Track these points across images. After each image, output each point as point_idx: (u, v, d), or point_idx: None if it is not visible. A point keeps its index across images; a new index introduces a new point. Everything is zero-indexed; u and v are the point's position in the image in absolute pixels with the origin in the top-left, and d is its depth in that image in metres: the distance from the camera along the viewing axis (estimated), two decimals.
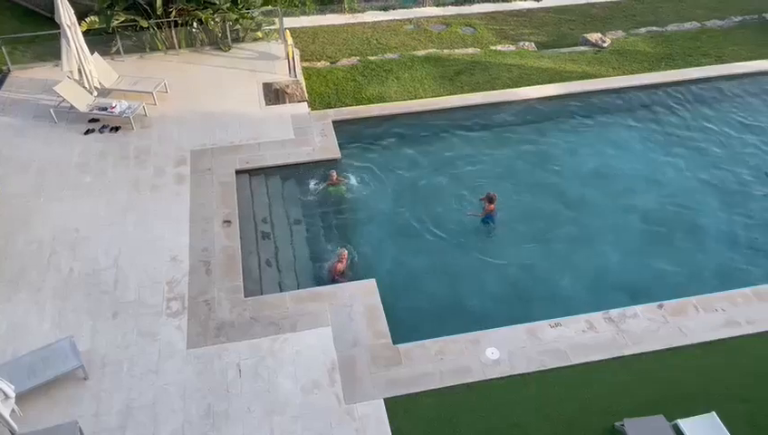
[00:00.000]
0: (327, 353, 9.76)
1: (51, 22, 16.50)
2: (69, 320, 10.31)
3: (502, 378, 9.45)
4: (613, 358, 9.73)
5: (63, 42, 14.79)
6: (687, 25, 21.57)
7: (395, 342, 9.95)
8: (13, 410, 8.25)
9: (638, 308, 10.50)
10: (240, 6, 18.15)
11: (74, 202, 12.81)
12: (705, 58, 19.09)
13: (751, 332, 10.10)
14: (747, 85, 17.98)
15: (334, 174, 13.89)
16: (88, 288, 10.88)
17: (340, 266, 11.64)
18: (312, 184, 13.98)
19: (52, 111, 15.17)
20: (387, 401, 9.10)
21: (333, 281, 11.49)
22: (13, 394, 8.04)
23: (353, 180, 14.22)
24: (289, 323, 10.26)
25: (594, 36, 20.51)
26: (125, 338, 10.01)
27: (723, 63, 18.72)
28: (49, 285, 10.94)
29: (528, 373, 9.51)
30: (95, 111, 15.11)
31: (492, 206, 13.05)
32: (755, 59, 18.84)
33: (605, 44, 20.08)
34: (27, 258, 11.49)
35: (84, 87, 15.50)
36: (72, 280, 11.04)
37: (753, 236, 12.94)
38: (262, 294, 11.10)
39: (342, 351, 9.80)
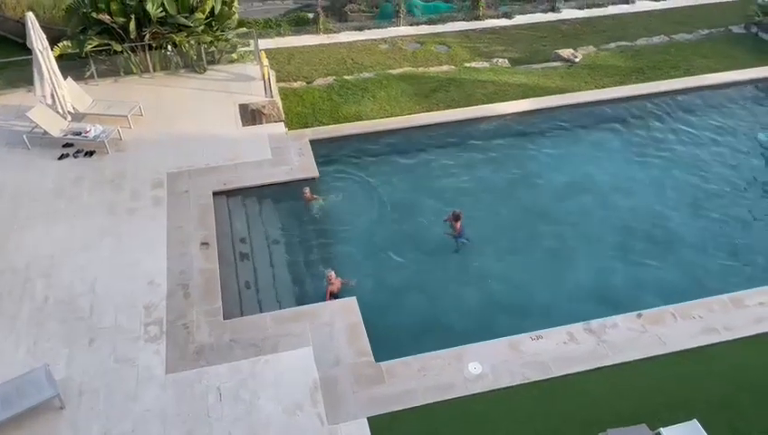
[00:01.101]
0: (309, 374, 9.67)
1: (23, 47, 16.37)
2: (44, 348, 10.10)
3: (485, 392, 9.44)
4: (595, 369, 9.77)
5: (36, 67, 14.70)
6: (656, 39, 22.05)
7: (377, 359, 9.90)
8: None
9: (618, 318, 10.58)
10: (215, 29, 18.17)
11: (49, 228, 12.62)
12: (674, 71, 19.51)
13: (729, 338, 10.22)
14: (716, 96, 18.38)
15: (307, 190, 13.89)
16: (64, 315, 10.68)
17: (333, 289, 11.54)
18: (289, 203, 13.94)
19: (25, 137, 15.00)
20: (370, 419, 9.03)
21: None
22: None
23: (332, 198, 14.22)
24: (269, 344, 10.16)
25: (566, 52, 20.85)
26: (102, 365, 9.82)
27: (692, 75, 19.13)
28: (24, 313, 10.73)
29: (511, 387, 9.52)
30: (69, 136, 14.97)
31: (458, 223, 13.08)
32: (723, 70, 19.30)
33: (577, 59, 20.42)
34: (1, 287, 11.27)
35: (58, 112, 15.36)
36: (48, 307, 10.84)
37: (728, 242, 13.15)
38: (242, 315, 10.99)
39: (324, 370, 9.72)
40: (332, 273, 11.66)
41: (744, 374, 9.79)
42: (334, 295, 11.49)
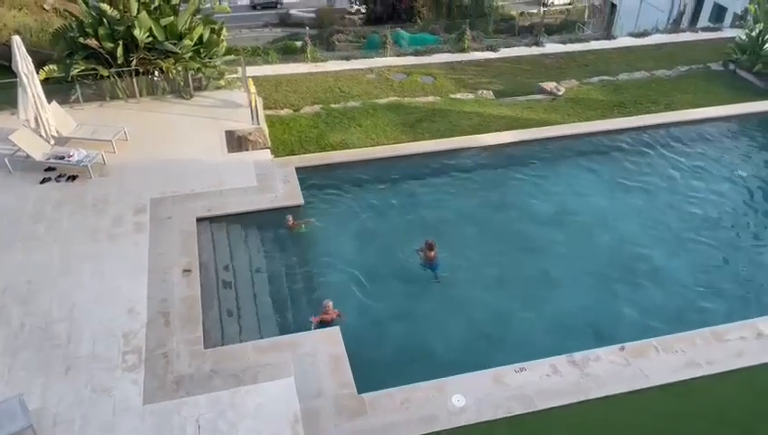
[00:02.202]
0: (290, 405, 9.51)
1: (8, 70, 16.30)
2: (19, 377, 9.85)
3: (468, 426, 9.33)
4: (578, 402, 9.72)
5: (20, 90, 14.61)
6: (637, 75, 22.53)
7: (360, 391, 9.77)
8: None
9: (601, 351, 10.56)
10: (203, 56, 18.25)
11: (27, 253, 12.41)
12: (654, 105, 19.90)
13: (711, 372, 10.24)
14: (696, 131, 18.74)
15: (290, 218, 13.85)
16: (40, 342, 10.44)
17: (327, 318, 11.40)
18: (273, 230, 13.88)
19: (6, 160, 14.84)
20: None
21: None
22: None
23: (314, 224, 14.17)
24: (250, 374, 9.99)
25: (549, 85, 21.22)
26: (78, 394, 9.59)
27: (672, 110, 19.54)
28: None
29: (494, 420, 9.42)
30: (52, 160, 14.83)
31: (432, 253, 13.08)
32: (703, 106, 19.73)
33: (560, 93, 20.77)
34: None
35: (41, 135, 15.24)
36: (23, 334, 10.60)
37: (708, 276, 13.27)
38: (223, 344, 10.83)
39: (306, 402, 9.57)
40: (330, 303, 11.52)
41: (726, 410, 9.79)
42: (324, 324, 11.36)
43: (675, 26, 28.82)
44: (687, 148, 17.99)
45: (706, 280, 13.16)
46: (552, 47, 25.18)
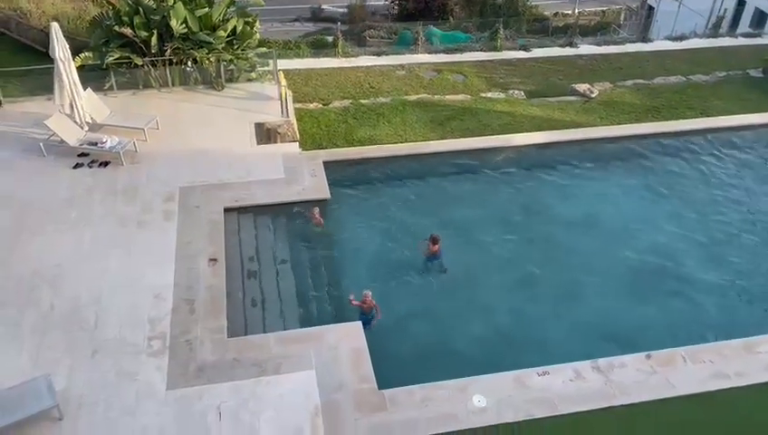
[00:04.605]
0: (310, 398, 9.53)
1: (44, 56, 16.62)
2: (46, 357, 10.03)
3: (488, 427, 9.25)
4: (601, 408, 9.57)
5: (56, 76, 14.86)
6: (673, 79, 22.07)
7: (380, 386, 9.75)
8: None
9: (627, 358, 10.40)
10: (236, 47, 18.37)
11: (58, 237, 12.63)
12: (690, 111, 19.48)
13: (740, 384, 10.00)
14: (732, 138, 18.30)
15: (316, 211, 13.81)
16: (68, 325, 10.63)
17: (365, 307, 11.50)
18: (299, 223, 13.91)
19: (41, 144, 15.11)
20: None
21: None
22: None
23: (334, 230, 14.08)
24: (272, 365, 10.04)
25: (582, 87, 20.91)
26: (103, 378, 9.73)
27: (708, 117, 19.10)
28: (28, 320, 10.68)
29: (515, 422, 9.33)
30: (85, 146, 15.07)
31: (435, 247, 13.01)
32: (740, 113, 19.25)
33: (593, 95, 20.46)
34: (7, 293, 11.24)
35: (75, 122, 15.49)
36: (52, 316, 10.79)
37: (741, 287, 12.96)
38: (246, 334, 10.91)
39: (326, 395, 9.58)
40: (370, 293, 11.57)
41: (754, 423, 9.56)
42: (362, 314, 11.42)
43: (714, 31, 28.17)
44: (723, 155, 17.57)
45: (738, 290, 12.86)
46: (586, 48, 24.79)
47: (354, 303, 11.57)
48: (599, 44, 25.20)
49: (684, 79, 22.09)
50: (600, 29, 26.73)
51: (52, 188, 14.07)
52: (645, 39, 25.99)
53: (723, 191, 16.05)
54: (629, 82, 21.74)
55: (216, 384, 9.68)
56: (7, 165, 14.80)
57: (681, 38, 26.03)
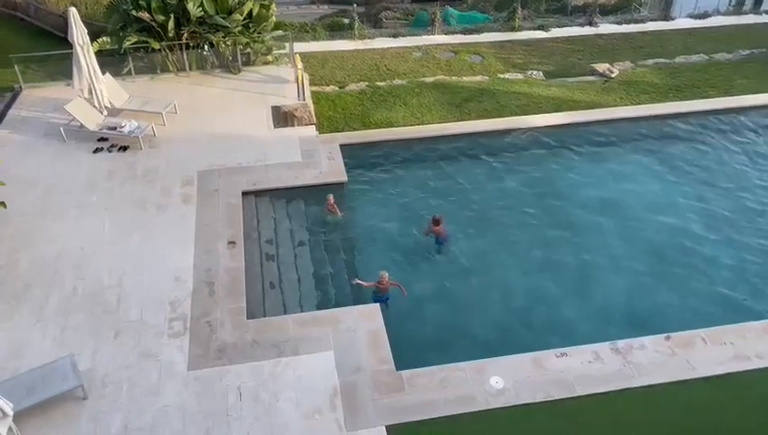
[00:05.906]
0: (329, 379, 9.63)
1: (63, 41, 16.74)
2: (71, 338, 10.23)
3: (506, 408, 9.28)
4: (620, 390, 9.54)
5: (75, 61, 14.98)
6: (695, 58, 21.67)
7: (398, 368, 9.81)
8: (10, 429, 8.15)
9: (646, 339, 10.33)
10: (252, 31, 18.36)
11: (80, 220, 12.82)
12: (713, 90, 19.14)
13: (761, 366, 9.90)
14: (756, 117, 17.95)
15: (331, 198, 13.69)
16: (91, 307, 10.82)
17: (382, 288, 11.56)
18: (316, 206, 13.94)
19: (62, 129, 15.28)
20: (389, 428, 8.93)
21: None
22: (11, 412, 7.95)
23: (349, 218, 13.98)
24: (291, 346, 10.14)
25: (602, 66, 20.62)
26: (126, 358, 9.91)
27: (731, 96, 18.75)
28: (52, 302, 10.89)
29: (533, 404, 9.34)
30: (104, 131, 15.22)
31: (437, 228, 12.99)
32: (764, 91, 18.86)
33: (613, 75, 20.17)
34: (31, 276, 11.46)
35: (94, 106, 15.64)
36: (76, 298, 10.99)
37: (764, 269, 12.78)
38: (265, 316, 11.01)
39: (344, 376, 9.67)
40: (386, 274, 11.60)
41: None
42: (378, 296, 11.49)
43: (737, 8, 27.52)
44: (746, 135, 17.25)
45: (761, 273, 12.68)
46: (606, 27, 24.40)
47: (366, 284, 11.62)
48: (619, 23, 24.77)
49: (706, 57, 21.67)
50: (620, 7, 26.19)
51: (74, 172, 14.25)
52: (667, 17, 25.45)
53: (745, 172, 15.78)
54: (650, 62, 21.39)
55: (236, 365, 9.81)
56: (29, 149, 15.01)
57: (704, 16, 25.50)
